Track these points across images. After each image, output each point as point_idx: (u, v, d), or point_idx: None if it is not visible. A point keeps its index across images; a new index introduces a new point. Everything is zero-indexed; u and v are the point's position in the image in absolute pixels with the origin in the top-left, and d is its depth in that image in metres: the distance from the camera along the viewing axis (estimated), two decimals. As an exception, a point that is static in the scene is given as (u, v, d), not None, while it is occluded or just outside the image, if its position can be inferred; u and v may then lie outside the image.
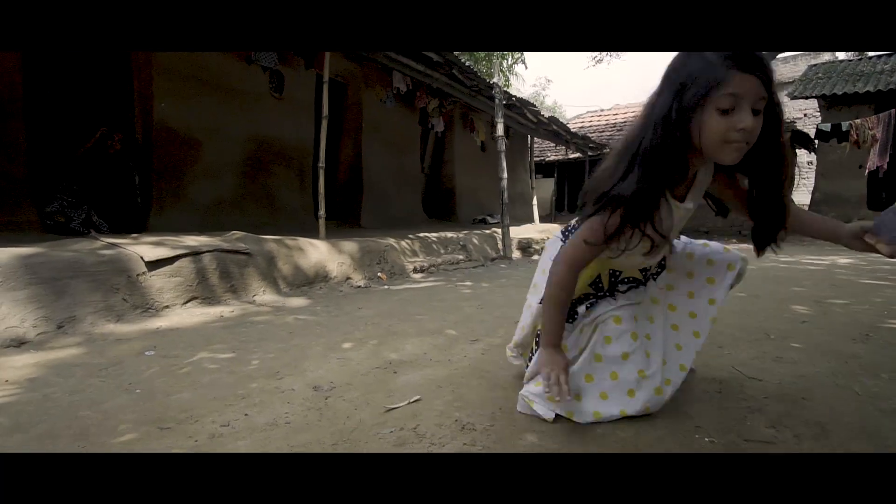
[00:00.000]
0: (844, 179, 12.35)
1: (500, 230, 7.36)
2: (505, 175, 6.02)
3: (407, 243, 5.15)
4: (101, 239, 2.91)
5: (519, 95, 8.31)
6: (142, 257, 2.67)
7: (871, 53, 13.75)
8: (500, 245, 6.44)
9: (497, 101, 5.85)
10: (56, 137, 3.92)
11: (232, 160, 5.09)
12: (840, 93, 12.10)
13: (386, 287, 3.88)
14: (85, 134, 4.37)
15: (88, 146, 4.39)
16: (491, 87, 5.90)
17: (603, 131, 16.02)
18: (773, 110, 1.04)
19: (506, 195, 6.07)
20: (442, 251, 5.60)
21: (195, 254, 2.95)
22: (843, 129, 10.37)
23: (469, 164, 9.50)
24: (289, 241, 3.72)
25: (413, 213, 7.97)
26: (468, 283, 4.08)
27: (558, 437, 1.23)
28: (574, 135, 10.33)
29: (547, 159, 15.79)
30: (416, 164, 8.03)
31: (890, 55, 12.87)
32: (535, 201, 10.42)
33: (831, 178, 12.60)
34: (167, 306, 2.71)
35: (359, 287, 3.89)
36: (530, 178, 11.84)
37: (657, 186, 1.08)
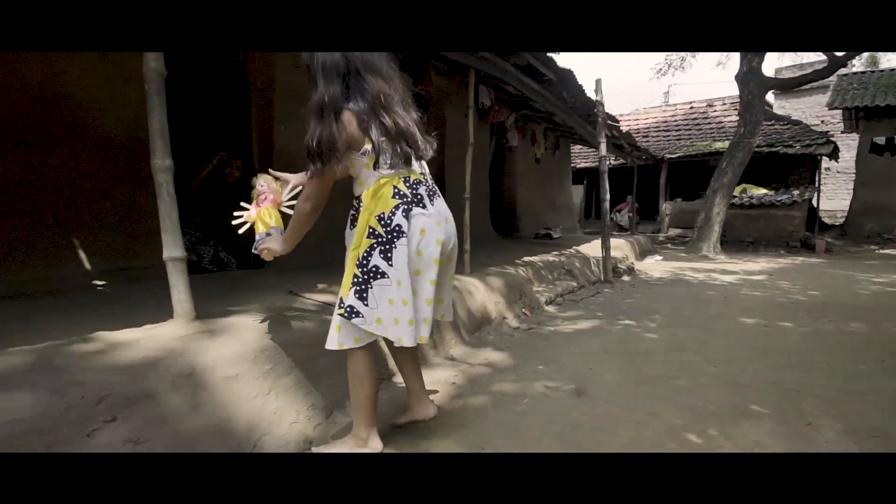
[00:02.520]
0: (886, 190, 12.30)
1: (581, 249, 7.12)
2: (608, 196, 5.77)
3: (522, 271, 4.88)
4: (301, 295, 2.61)
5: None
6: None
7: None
8: (596, 267, 6.19)
9: (600, 119, 5.60)
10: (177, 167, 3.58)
11: (347, 186, 4.77)
12: (882, 104, 12.03)
13: (552, 328, 3.61)
14: (200, 161, 4.05)
15: (203, 175, 4.06)
16: (592, 104, 5.64)
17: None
18: None
19: (608, 216, 5.81)
20: (549, 276, 5.34)
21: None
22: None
23: (527, 177, 9.25)
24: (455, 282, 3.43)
25: (484, 231, 7.68)
26: (627, 322, 3.82)
27: None
28: (637, 147, 10.11)
29: (578, 166, 15.57)
30: (486, 179, 7.74)
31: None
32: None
33: (872, 188, 12.54)
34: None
35: (517, 328, 3.61)
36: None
37: None
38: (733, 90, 11.54)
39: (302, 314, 2.26)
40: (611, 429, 1.93)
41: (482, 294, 3.56)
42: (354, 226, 1.60)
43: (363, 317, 1.50)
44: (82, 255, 2.94)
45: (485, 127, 7.31)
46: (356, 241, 1.54)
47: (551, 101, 5.29)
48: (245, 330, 1.93)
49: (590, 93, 5.57)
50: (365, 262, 1.51)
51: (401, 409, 1.93)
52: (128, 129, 3.16)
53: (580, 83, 5.12)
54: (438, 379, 2.44)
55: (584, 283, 5.56)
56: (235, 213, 1.88)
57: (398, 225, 1.50)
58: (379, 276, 1.50)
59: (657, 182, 14.91)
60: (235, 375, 1.74)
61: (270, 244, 1.72)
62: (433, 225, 1.57)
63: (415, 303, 1.52)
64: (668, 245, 12.08)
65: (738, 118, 10.56)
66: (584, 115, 6.39)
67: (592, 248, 7.60)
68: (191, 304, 1.91)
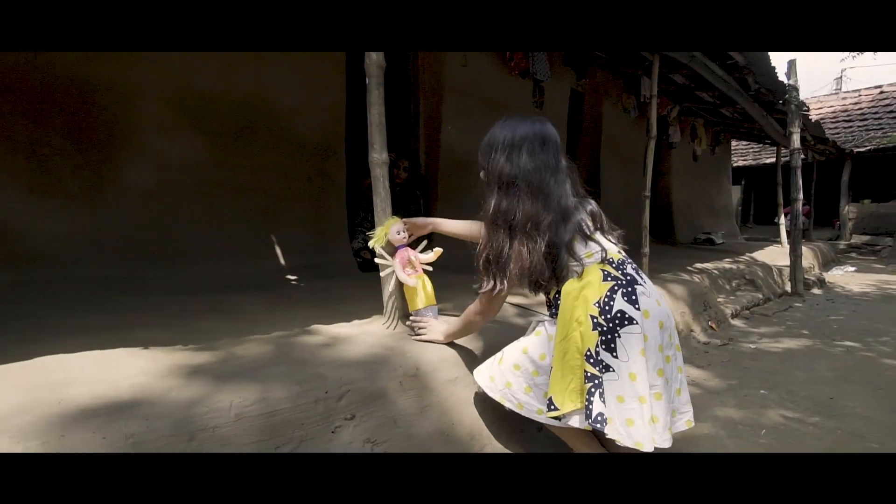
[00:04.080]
0: None
1: (756, 256, 6.29)
2: (801, 196, 4.98)
3: (698, 279, 4.36)
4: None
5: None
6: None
7: None
8: (779, 277, 5.40)
9: (794, 107, 4.85)
10: (351, 170, 3.71)
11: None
12: None
13: (753, 346, 3.13)
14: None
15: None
16: (784, 90, 4.90)
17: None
18: None
19: (800, 219, 5.02)
20: (728, 286, 4.73)
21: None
22: None
23: (684, 176, 8.46)
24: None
25: (639, 234, 7.15)
26: (849, 343, 3.19)
27: None
28: (824, 139, 8.79)
29: (736, 164, 14.01)
30: (640, 178, 7.20)
31: None
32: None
33: None
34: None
35: (707, 343, 3.19)
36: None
37: None
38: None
39: (498, 319, 2.13)
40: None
41: (667, 302, 3.19)
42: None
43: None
44: (278, 251, 3.13)
45: (642, 122, 6.79)
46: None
47: (734, 89, 4.69)
48: (456, 331, 1.83)
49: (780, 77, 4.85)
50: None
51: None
52: (318, 133, 3.32)
53: (773, 66, 4.46)
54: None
55: (769, 296, 4.85)
56: (377, 261, 1.84)
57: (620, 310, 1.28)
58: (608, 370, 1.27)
59: (832, 181, 12.89)
60: (455, 379, 1.64)
61: (433, 335, 1.71)
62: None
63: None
64: (853, 254, 10.34)
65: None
66: (767, 105, 5.61)
67: (769, 256, 6.70)
68: (402, 301, 1.86)
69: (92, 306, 2.14)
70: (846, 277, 6.87)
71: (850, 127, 13.34)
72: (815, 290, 5.59)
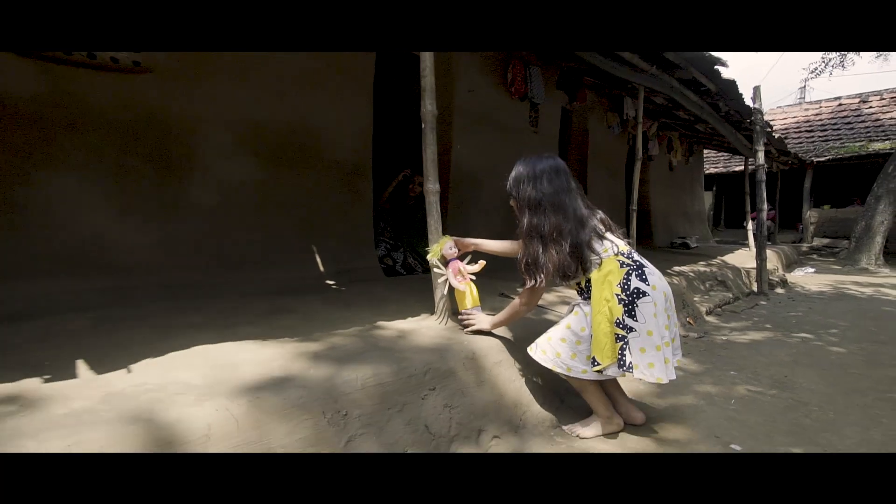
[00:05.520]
0: None
1: (726, 259, 6.93)
2: (765, 206, 5.61)
3: (676, 280, 4.92)
4: (511, 296, 2.98)
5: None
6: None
7: None
8: (747, 279, 6.02)
9: (758, 128, 5.47)
10: (375, 186, 4.15)
11: (503, 196, 5.16)
12: None
13: (725, 338, 3.68)
14: (388, 178, 4.61)
15: (390, 190, 4.62)
16: (750, 112, 5.53)
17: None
18: None
19: (765, 227, 5.65)
20: (702, 287, 5.32)
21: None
22: None
23: (662, 185, 9.11)
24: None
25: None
26: (803, 335, 3.78)
27: None
28: (786, 152, 9.55)
29: (707, 172, 14.83)
30: (622, 188, 7.79)
31: None
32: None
33: None
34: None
35: (686, 336, 3.73)
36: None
37: None
38: (891, 82, 10.42)
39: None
40: (836, 430, 2.05)
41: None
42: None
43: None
44: (318, 258, 3.56)
45: (624, 137, 7.39)
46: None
47: (707, 112, 5.29)
48: (494, 325, 2.31)
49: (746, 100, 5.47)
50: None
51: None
52: (349, 154, 3.77)
53: (740, 92, 5.07)
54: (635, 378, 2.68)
55: (738, 295, 5.46)
56: (435, 270, 2.28)
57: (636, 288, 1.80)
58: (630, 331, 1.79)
59: (796, 188, 13.80)
60: (500, 361, 2.12)
61: (481, 325, 2.17)
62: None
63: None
64: (814, 256, 11.17)
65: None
66: (735, 123, 6.25)
67: (739, 259, 7.36)
68: (451, 302, 2.33)
69: (183, 307, 2.55)
70: (806, 278, 7.57)
71: (812, 137, 14.28)
72: (779, 290, 6.24)
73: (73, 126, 2.64)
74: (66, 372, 1.59)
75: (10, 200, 2.46)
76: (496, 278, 3.47)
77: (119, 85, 2.76)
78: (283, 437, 1.41)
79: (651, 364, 1.77)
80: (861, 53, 12.35)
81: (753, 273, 6.09)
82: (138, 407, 1.32)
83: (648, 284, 1.81)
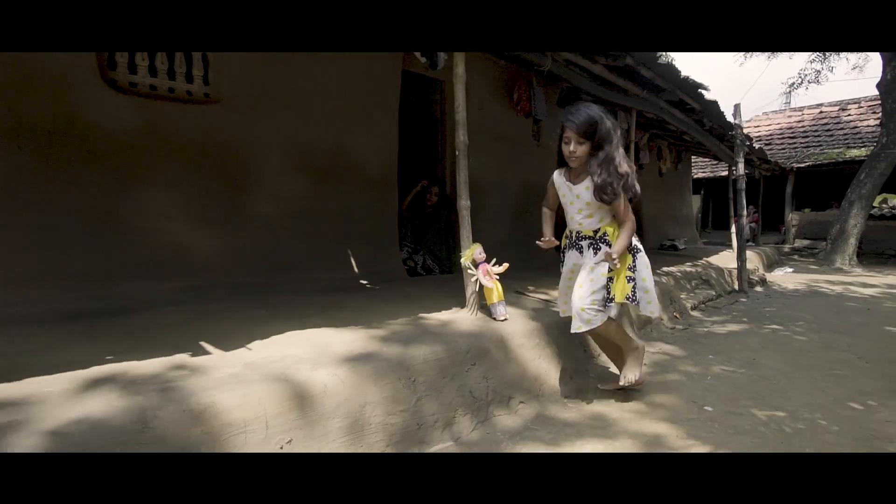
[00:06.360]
0: None
1: (711, 260, 7.51)
2: (745, 213, 6.19)
3: (665, 280, 5.48)
4: (526, 293, 3.51)
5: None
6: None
7: None
8: (729, 277, 6.60)
9: (739, 141, 6.05)
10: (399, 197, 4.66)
11: (508, 204, 5.70)
12: None
13: (706, 330, 4.24)
14: (407, 188, 5.12)
15: (409, 199, 5.13)
16: (731, 127, 6.10)
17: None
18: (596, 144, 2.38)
19: (745, 231, 6.22)
20: (688, 285, 5.88)
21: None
22: None
23: (652, 190, 9.69)
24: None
25: (614, 241, 8.31)
26: (774, 326, 4.34)
27: None
28: (767, 160, 10.19)
29: (695, 176, 15.48)
30: (615, 193, 8.33)
31: None
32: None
33: None
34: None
35: (673, 328, 4.28)
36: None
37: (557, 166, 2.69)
38: (870, 90, 11.09)
39: (536, 308, 3.14)
40: (785, 396, 2.60)
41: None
42: (595, 250, 2.44)
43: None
44: (353, 261, 4.07)
45: (617, 147, 7.94)
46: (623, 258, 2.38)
47: (693, 127, 5.86)
48: (516, 317, 2.84)
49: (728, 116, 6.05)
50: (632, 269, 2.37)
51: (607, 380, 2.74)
52: (379, 170, 4.28)
53: (721, 111, 5.65)
54: (640, 312, 3.21)
55: (720, 293, 6.03)
56: (468, 271, 2.78)
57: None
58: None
59: (780, 191, 14.48)
60: (522, 344, 2.64)
61: (618, 251, 2.31)
62: None
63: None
64: (795, 257, 11.82)
65: (876, 124, 10.19)
66: (719, 136, 6.83)
67: (723, 260, 7.94)
68: (480, 297, 2.85)
69: (252, 303, 3.04)
70: (785, 277, 8.18)
71: (794, 143, 14.97)
72: (758, 288, 6.83)
73: (156, 151, 3.13)
74: (198, 350, 2.09)
75: (112, 215, 2.95)
76: (511, 279, 4.01)
77: (193, 114, 3.26)
78: (375, 394, 1.92)
79: (650, 301, 2.40)
80: (834, 69, 12.99)
81: (735, 273, 6.67)
82: (273, 372, 1.82)
83: (641, 244, 2.49)
